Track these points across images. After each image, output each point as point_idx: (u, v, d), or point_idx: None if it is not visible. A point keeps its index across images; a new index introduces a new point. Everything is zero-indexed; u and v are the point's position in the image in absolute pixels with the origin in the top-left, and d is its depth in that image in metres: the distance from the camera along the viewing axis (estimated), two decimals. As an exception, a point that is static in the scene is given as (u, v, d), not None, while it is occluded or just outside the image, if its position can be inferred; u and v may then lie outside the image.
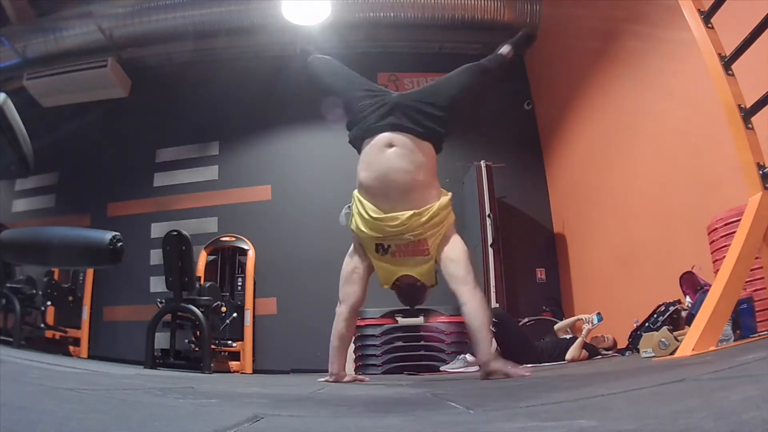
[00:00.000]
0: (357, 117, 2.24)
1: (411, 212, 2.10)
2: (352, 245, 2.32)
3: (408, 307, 2.68)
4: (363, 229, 2.19)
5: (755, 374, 0.91)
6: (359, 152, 2.24)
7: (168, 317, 3.97)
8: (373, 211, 2.15)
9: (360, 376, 2.35)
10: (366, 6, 5.34)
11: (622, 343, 3.39)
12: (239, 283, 5.26)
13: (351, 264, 2.29)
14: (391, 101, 2.19)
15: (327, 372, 2.29)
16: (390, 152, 2.12)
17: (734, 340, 1.87)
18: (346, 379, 2.26)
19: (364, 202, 2.19)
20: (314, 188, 5.58)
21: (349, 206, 2.29)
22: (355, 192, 2.26)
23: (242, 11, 5.42)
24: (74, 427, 0.60)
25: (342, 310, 2.25)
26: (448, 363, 3.65)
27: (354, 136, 2.25)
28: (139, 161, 5.85)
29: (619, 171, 4.02)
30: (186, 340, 4.23)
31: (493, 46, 2.58)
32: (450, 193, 2.23)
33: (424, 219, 2.12)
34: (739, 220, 1.86)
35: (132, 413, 0.80)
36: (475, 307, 2.04)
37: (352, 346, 4.40)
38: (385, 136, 2.14)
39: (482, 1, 5.35)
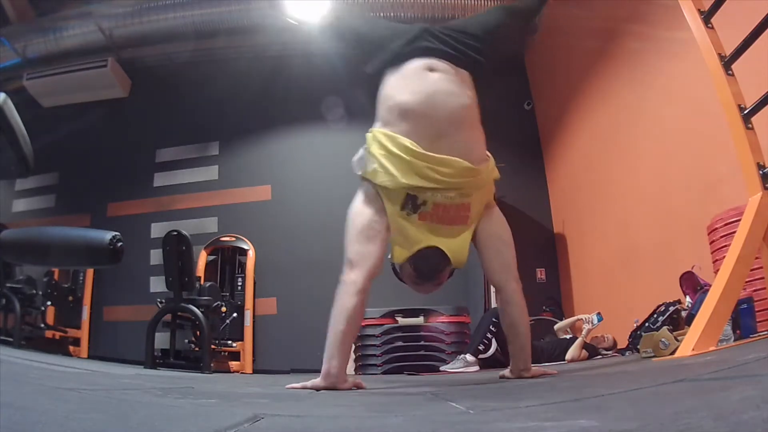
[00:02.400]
0: (380, 45, 1.83)
1: (467, 165, 1.66)
2: (362, 194, 1.75)
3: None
4: (393, 172, 1.64)
5: (755, 374, 0.91)
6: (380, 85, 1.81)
7: (168, 317, 3.97)
8: (413, 145, 1.63)
9: (359, 381, 1.74)
10: (366, 6, 5.35)
11: (622, 343, 3.39)
12: (239, 283, 5.26)
13: (366, 215, 1.70)
14: (418, 27, 1.85)
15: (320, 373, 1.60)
16: (434, 75, 1.73)
17: (734, 340, 1.87)
18: (344, 386, 1.60)
19: (396, 136, 1.66)
20: (314, 188, 5.59)
21: (366, 147, 1.76)
22: (377, 129, 1.75)
23: (242, 11, 5.42)
24: (74, 427, 0.60)
25: (355, 278, 1.62)
26: (448, 363, 3.65)
27: (377, 64, 1.82)
28: (139, 161, 5.85)
29: (619, 171, 4.02)
30: (186, 340, 4.23)
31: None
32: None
33: (479, 177, 1.72)
34: (739, 220, 1.86)
35: (132, 413, 0.80)
36: (523, 311, 1.77)
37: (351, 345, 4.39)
38: (422, 61, 1.75)
39: (482, 1, 5.35)
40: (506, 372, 1.84)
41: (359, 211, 1.72)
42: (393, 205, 1.68)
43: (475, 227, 1.76)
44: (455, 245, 1.74)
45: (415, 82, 1.72)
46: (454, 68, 1.76)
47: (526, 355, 1.80)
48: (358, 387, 1.67)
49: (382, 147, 1.68)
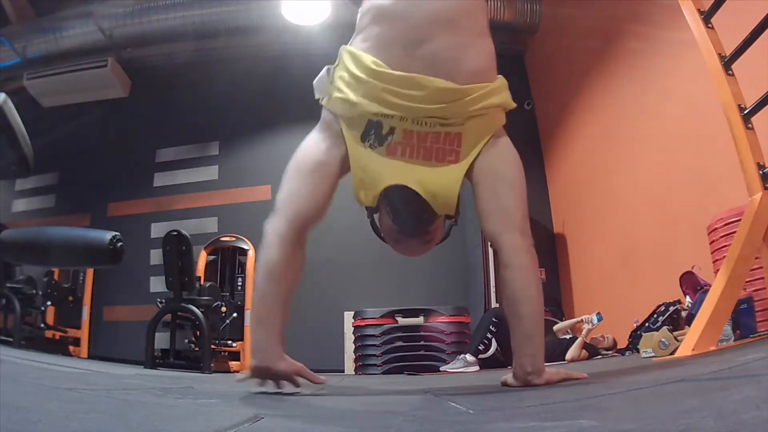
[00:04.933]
0: None
1: (447, 85, 1.25)
2: (319, 123, 1.40)
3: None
4: (350, 96, 1.29)
5: (755, 374, 0.91)
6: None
7: (168, 317, 3.97)
8: (374, 63, 1.27)
9: (308, 372, 1.32)
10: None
11: (622, 343, 3.39)
12: (239, 283, 5.26)
13: (314, 149, 1.35)
14: None
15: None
16: None
17: (734, 340, 1.88)
18: (282, 366, 1.25)
19: (359, 53, 1.30)
20: (314, 188, 5.58)
21: (329, 68, 1.39)
22: (344, 46, 1.38)
23: (242, 11, 5.42)
24: (74, 427, 0.60)
25: (278, 226, 1.27)
26: (448, 363, 3.65)
27: None
28: (139, 161, 5.86)
29: (619, 171, 4.02)
30: (186, 340, 4.23)
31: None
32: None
33: (468, 99, 1.27)
34: (739, 220, 1.86)
35: (132, 413, 0.80)
36: (528, 279, 1.24)
37: (351, 345, 4.37)
38: None
39: (482, 1, 5.34)
40: (508, 377, 1.29)
41: (308, 142, 1.39)
42: (353, 134, 1.31)
43: (471, 162, 1.32)
44: (436, 185, 1.29)
45: None
46: None
47: (535, 349, 1.23)
48: (312, 380, 1.30)
49: (345, 68, 1.33)
